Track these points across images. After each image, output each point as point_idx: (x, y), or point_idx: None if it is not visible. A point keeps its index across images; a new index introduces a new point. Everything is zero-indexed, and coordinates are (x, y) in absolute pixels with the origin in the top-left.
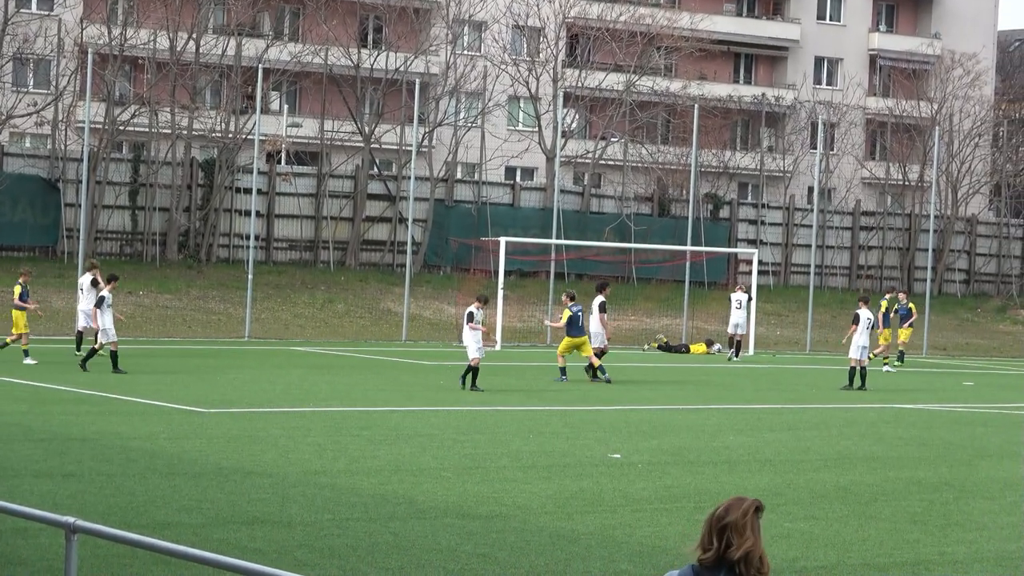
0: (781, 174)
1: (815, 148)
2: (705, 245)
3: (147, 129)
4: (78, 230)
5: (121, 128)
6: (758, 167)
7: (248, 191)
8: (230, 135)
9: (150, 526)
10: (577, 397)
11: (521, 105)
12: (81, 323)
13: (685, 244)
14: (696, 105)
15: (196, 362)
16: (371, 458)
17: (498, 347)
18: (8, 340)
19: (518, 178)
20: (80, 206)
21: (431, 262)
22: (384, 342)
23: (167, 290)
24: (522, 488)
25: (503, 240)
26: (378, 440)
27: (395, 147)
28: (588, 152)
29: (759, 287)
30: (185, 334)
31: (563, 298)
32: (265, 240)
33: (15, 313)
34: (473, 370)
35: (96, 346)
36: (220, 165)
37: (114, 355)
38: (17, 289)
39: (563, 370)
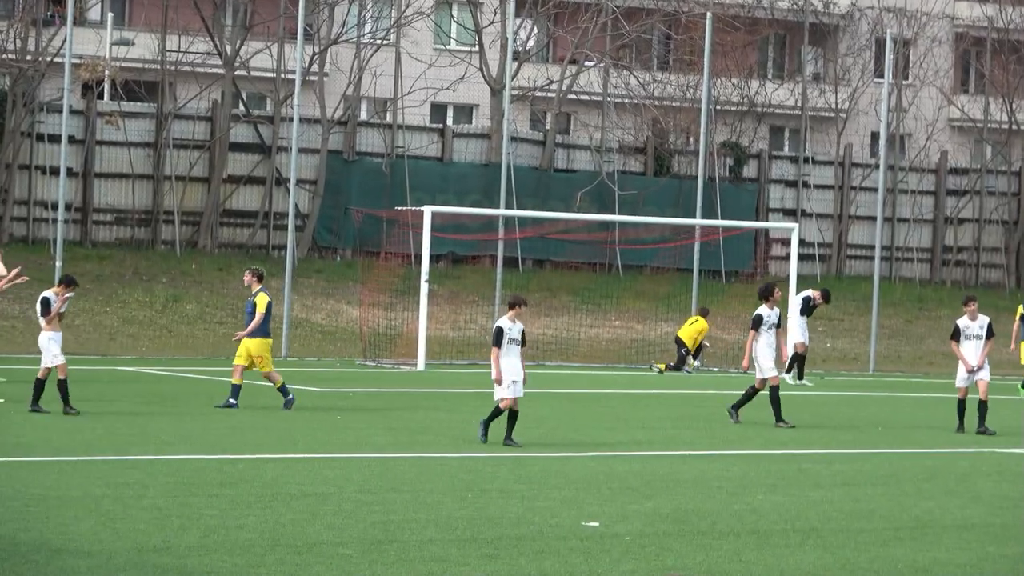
0: (832, 115)
1: (881, 77)
2: (722, 217)
3: None
4: None
5: None
6: (798, 104)
7: (56, 139)
8: (28, 58)
9: None
10: (535, 439)
11: (454, 14)
12: None
13: (693, 216)
14: (709, 14)
15: None
16: (236, 528)
17: (421, 366)
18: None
19: (450, 120)
20: None
21: (323, 243)
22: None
23: None
24: (458, 571)
25: (428, 210)
26: (247, 502)
27: (270, 75)
28: (551, 83)
29: (799, 278)
30: None
31: (246, 276)
32: (81, 211)
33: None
34: (497, 414)
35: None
36: (14, 101)
37: (61, 384)
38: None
39: (237, 389)
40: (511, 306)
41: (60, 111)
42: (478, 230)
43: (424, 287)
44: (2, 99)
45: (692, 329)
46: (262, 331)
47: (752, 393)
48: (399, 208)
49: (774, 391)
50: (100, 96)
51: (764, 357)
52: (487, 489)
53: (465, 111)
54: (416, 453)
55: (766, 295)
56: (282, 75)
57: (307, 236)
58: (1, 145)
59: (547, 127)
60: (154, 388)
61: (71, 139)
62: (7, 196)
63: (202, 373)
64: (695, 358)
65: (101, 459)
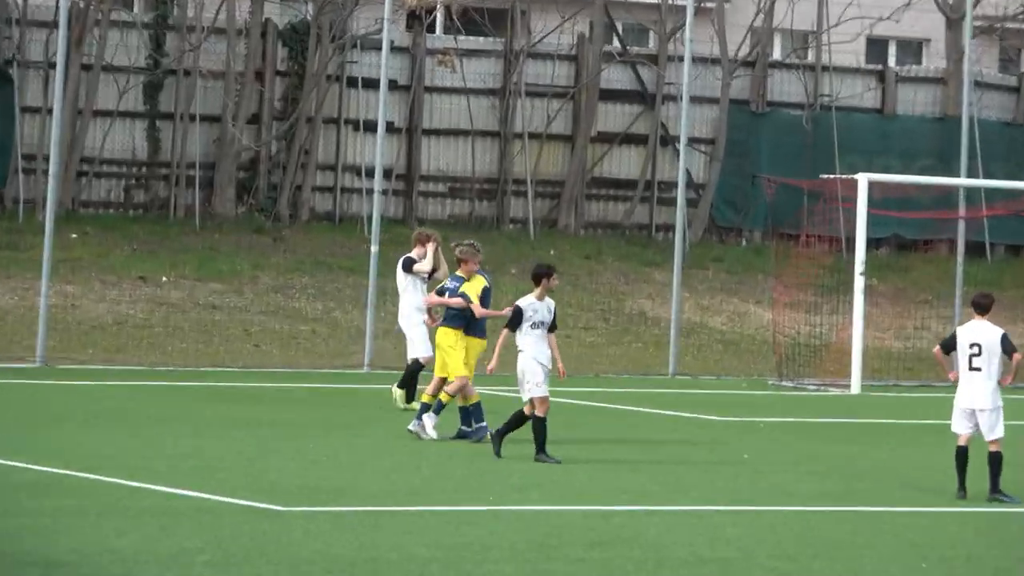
0: None
1: None
2: None
3: None
4: (45, 158)
5: None
6: None
7: (372, 85)
8: None
9: None
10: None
11: None
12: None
13: None
14: None
15: (267, 413)
16: None
17: (855, 388)
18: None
19: (892, 60)
20: (50, 112)
21: (724, 222)
22: (633, 375)
23: (216, 273)
24: None
25: (863, 178)
26: (625, 570)
27: (654, 1)
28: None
29: None
30: (250, 358)
31: (457, 252)
32: (404, 178)
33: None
34: None
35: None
36: (319, 36)
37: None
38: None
39: (477, 408)
40: None
41: (378, 48)
42: (931, 206)
43: (859, 281)
44: (303, 33)
45: None
46: (476, 327)
47: None
48: (825, 176)
49: None
50: (431, 29)
51: None
52: (947, 556)
53: (912, 48)
54: (851, 506)
55: None
56: (670, 1)
57: (702, 213)
58: (301, 93)
59: (1022, 69)
60: (496, 407)
61: (392, 85)
62: (308, 159)
63: (564, 396)
64: None
65: (428, 510)
